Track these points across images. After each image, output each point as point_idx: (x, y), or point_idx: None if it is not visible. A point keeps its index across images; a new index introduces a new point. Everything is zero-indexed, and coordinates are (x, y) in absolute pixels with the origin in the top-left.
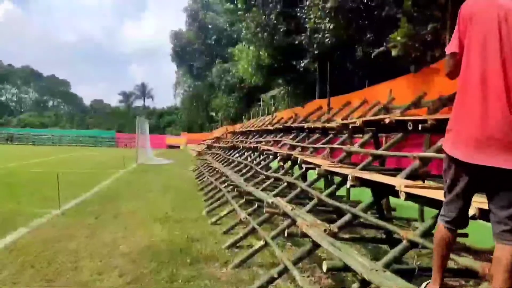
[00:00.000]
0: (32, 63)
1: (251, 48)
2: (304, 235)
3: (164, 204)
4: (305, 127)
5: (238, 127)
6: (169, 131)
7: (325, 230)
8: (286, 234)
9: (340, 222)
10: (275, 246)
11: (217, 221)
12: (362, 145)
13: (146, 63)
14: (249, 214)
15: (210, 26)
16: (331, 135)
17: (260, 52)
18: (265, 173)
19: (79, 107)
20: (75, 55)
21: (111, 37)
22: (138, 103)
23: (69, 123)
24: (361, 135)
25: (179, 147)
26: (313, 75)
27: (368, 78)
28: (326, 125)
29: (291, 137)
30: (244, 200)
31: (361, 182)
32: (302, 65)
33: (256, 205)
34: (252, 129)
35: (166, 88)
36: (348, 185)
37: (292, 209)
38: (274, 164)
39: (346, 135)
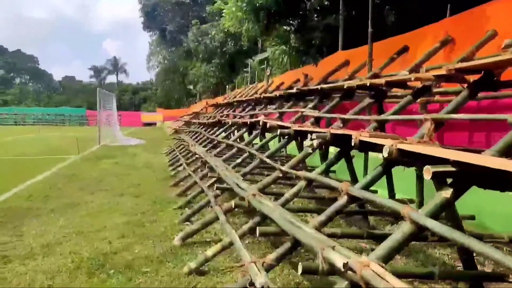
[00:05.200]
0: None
1: None
2: None
3: (110, 221)
4: (345, 86)
5: (220, 100)
6: (144, 107)
7: None
8: None
9: None
10: None
11: (202, 266)
12: None
13: (121, 38)
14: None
15: None
16: (408, 99)
17: None
18: (286, 169)
19: (49, 85)
20: (46, 32)
21: (84, 14)
22: (111, 79)
23: (35, 101)
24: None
25: (155, 124)
26: (331, 18)
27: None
28: (413, 76)
29: (310, 106)
30: (253, 225)
31: None
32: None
33: (289, 244)
34: (243, 99)
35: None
36: None
37: None
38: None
39: (464, 95)
